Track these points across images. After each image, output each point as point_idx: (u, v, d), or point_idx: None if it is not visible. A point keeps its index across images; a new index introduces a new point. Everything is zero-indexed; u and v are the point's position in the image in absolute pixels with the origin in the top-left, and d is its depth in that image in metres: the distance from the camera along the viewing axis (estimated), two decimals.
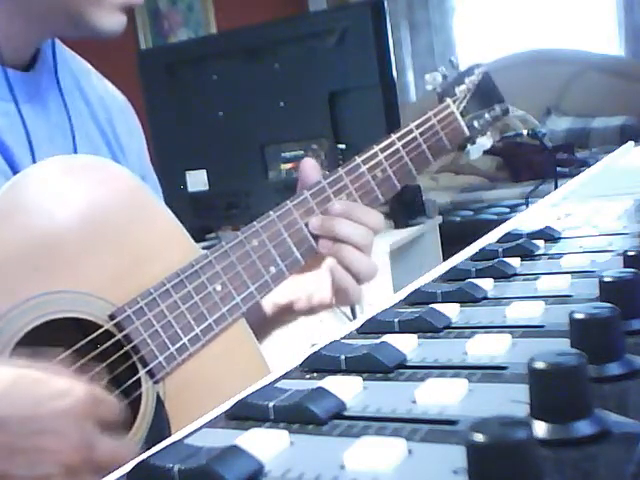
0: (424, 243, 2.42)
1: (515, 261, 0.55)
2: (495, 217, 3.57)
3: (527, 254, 0.58)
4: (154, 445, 0.34)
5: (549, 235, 0.62)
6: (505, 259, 0.56)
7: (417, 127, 0.99)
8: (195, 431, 0.35)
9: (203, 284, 0.80)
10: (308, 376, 0.40)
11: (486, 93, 1.08)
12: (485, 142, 1.08)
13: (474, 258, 0.59)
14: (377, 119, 1.88)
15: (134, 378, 0.75)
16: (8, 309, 0.69)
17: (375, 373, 0.38)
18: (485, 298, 0.49)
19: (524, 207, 2.46)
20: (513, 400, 0.32)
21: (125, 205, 0.79)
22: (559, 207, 0.76)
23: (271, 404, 0.35)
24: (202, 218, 2.14)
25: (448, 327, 0.44)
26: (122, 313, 0.74)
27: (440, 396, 0.34)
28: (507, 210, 3.66)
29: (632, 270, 0.39)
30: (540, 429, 0.28)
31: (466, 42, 5.32)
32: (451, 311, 0.46)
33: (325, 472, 0.29)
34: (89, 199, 0.77)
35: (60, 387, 0.63)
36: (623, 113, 4.60)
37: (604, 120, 4.65)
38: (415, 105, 4.90)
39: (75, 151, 0.87)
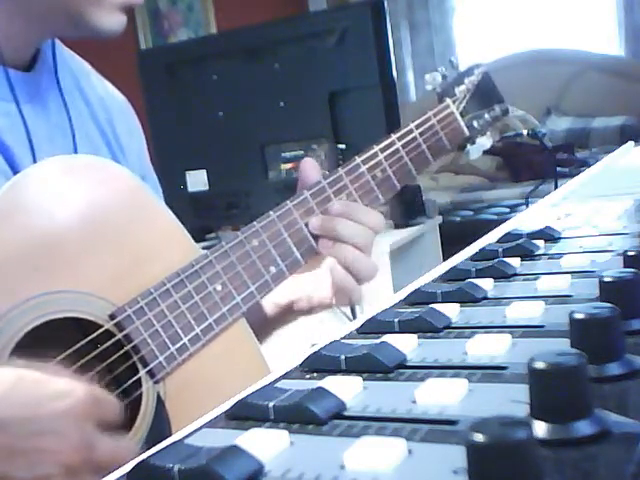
0: (424, 243, 2.42)
1: (515, 261, 0.55)
2: (495, 217, 3.57)
3: (527, 254, 0.58)
4: (154, 445, 0.34)
5: (549, 235, 0.62)
6: (505, 259, 0.56)
7: (417, 127, 0.99)
8: (195, 431, 0.35)
9: (203, 284, 0.80)
10: (308, 376, 0.40)
11: (486, 93, 1.08)
12: (485, 142, 1.08)
13: (474, 258, 0.59)
14: (377, 119, 1.88)
15: (134, 378, 0.75)
16: (8, 309, 0.69)
17: (375, 373, 0.38)
18: (485, 298, 0.49)
19: (524, 207, 2.46)
20: (513, 400, 0.32)
21: (125, 205, 0.79)
22: (559, 207, 0.76)
23: (271, 404, 0.35)
24: (202, 218, 2.14)
25: (448, 327, 0.44)
26: (122, 313, 0.74)
27: (440, 396, 0.34)
28: (507, 210, 3.66)
29: (632, 270, 0.39)
30: (540, 429, 0.28)
31: (466, 42, 5.32)
32: (451, 311, 0.46)
33: (325, 472, 0.29)
34: (89, 199, 0.77)
35: (60, 388, 0.63)
36: (623, 113, 4.60)
37: (604, 120, 4.65)
38: (415, 105, 4.90)
39: (75, 151, 0.87)
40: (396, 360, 0.39)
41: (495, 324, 0.44)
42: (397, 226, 2.30)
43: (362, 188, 0.93)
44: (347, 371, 0.39)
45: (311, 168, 0.95)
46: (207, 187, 2.11)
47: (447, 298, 0.49)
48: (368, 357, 0.39)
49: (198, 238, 0.87)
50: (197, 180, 2.12)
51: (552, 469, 0.26)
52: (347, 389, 0.36)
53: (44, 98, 0.87)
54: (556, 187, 1.80)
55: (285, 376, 0.41)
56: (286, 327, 1.02)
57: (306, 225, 0.89)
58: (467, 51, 5.23)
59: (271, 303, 0.97)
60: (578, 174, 0.96)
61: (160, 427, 0.74)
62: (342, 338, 0.45)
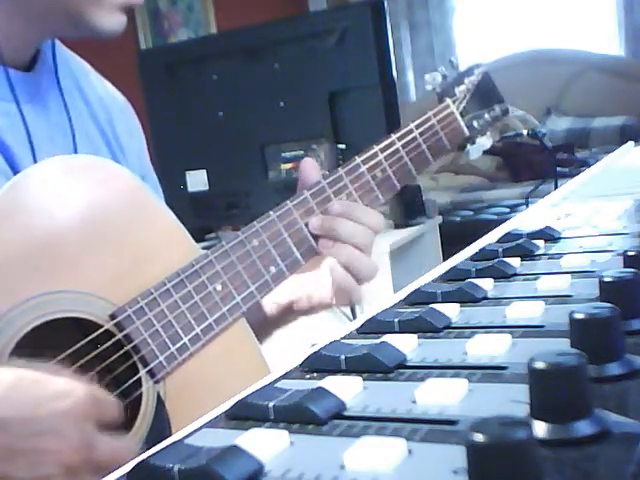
0: (424, 243, 2.42)
1: (515, 261, 0.55)
2: (495, 217, 3.57)
3: (527, 254, 0.58)
4: (154, 445, 0.34)
5: (549, 235, 0.62)
6: (505, 259, 0.56)
7: (417, 127, 0.99)
8: (195, 431, 0.35)
9: (203, 284, 0.80)
10: (308, 376, 0.40)
11: (486, 93, 1.08)
12: (485, 142, 1.08)
13: (474, 258, 0.59)
14: (377, 119, 1.88)
15: (134, 378, 0.75)
16: (8, 309, 0.69)
17: (375, 373, 0.38)
18: (485, 298, 0.49)
19: (524, 207, 2.46)
20: (513, 400, 0.32)
21: (125, 205, 0.80)
22: (559, 207, 0.76)
23: (271, 404, 0.35)
24: (202, 218, 2.14)
25: (448, 327, 0.44)
26: (123, 313, 0.74)
27: (440, 396, 0.34)
28: (507, 210, 3.66)
29: (632, 270, 0.39)
30: (540, 429, 0.28)
31: (466, 42, 5.31)
32: (451, 311, 0.46)
33: (325, 472, 0.29)
34: (89, 199, 0.77)
35: (60, 388, 0.63)
36: (623, 113, 4.60)
37: (604, 120, 4.65)
38: (415, 105, 4.90)
39: (75, 151, 0.87)
40: (396, 360, 0.39)
41: (495, 324, 0.44)
42: (397, 226, 2.30)
43: (362, 188, 0.93)
44: (347, 371, 0.39)
45: (311, 168, 0.95)
46: (207, 187, 2.11)
47: (447, 298, 0.49)
48: (368, 357, 0.39)
49: (198, 238, 0.87)
50: (197, 180, 2.12)
51: (552, 469, 0.26)
52: (347, 389, 0.36)
53: (44, 98, 0.87)
54: (556, 187, 1.80)
55: (285, 376, 0.41)
56: (286, 327, 1.02)
57: (306, 225, 0.89)
58: (467, 51, 5.23)
59: (271, 303, 0.97)
60: (578, 174, 0.96)
61: (160, 427, 0.74)
62: (342, 338, 0.45)
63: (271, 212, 0.87)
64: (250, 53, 2.02)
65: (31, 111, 0.84)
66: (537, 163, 3.86)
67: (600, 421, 0.28)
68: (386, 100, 1.88)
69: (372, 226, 0.92)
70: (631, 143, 1.14)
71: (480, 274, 0.53)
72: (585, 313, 0.33)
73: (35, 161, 0.81)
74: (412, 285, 0.53)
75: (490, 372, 0.36)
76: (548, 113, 4.89)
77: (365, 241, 0.91)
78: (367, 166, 0.94)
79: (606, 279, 0.39)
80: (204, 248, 0.84)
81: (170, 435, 0.37)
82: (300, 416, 0.34)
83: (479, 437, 0.23)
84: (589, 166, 1.10)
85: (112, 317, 0.74)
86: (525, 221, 0.71)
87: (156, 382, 0.75)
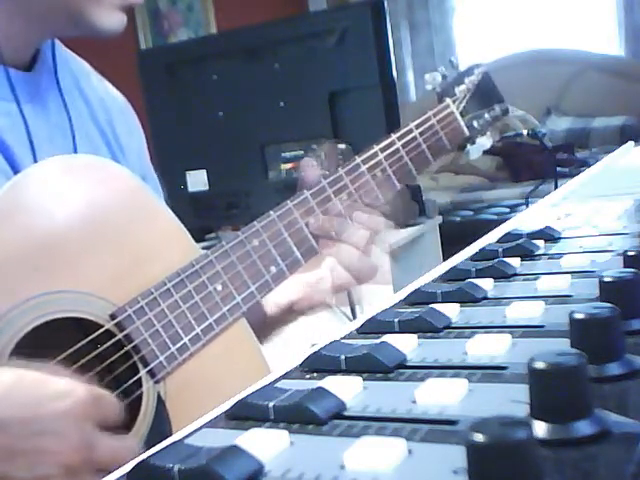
0: (424, 243, 2.42)
1: (515, 261, 0.55)
2: (495, 217, 3.58)
3: (527, 254, 0.58)
4: (155, 445, 0.34)
5: (549, 235, 0.62)
6: (505, 259, 0.56)
7: (417, 127, 0.99)
8: (195, 431, 0.35)
9: (204, 284, 0.80)
10: (308, 376, 0.40)
11: (486, 93, 1.08)
12: (485, 142, 1.08)
13: (474, 258, 0.59)
14: (377, 119, 1.88)
15: (135, 378, 0.75)
16: (8, 309, 0.69)
17: (375, 373, 0.38)
18: (485, 298, 0.49)
19: (524, 207, 2.46)
20: (513, 400, 0.32)
21: (125, 205, 0.80)
22: (559, 207, 0.76)
23: (271, 404, 0.35)
24: (202, 218, 2.14)
25: (448, 327, 0.44)
26: (123, 313, 0.74)
27: (440, 396, 0.34)
28: (507, 210, 3.66)
29: (632, 270, 0.39)
30: (540, 429, 0.28)
31: (466, 42, 5.31)
32: (451, 311, 0.46)
33: (325, 472, 0.29)
34: (89, 199, 0.77)
35: (60, 388, 0.63)
36: (623, 113, 4.60)
37: (604, 120, 4.65)
38: (415, 105, 4.90)
39: (75, 151, 0.87)
40: (396, 360, 0.39)
41: (495, 324, 0.44)
42: (397, 226, 2.30)
43: (362, 188, 0.93)
44: (347, 371, 0.39)
45: (311, 168, 0.95)
46: (207, 187, 2.11)
47: (447, 298, 0.49)
48: (368, 357, 0.39)
49: (198, 238, 0.87)
50: (197, 180, 2.12)
51: (552, 469, 0.26)
52: (347, 389, 0.36)
53: (44, 98, 0.87)
54: (556, 187, 1.80)
55: (285, 376, 0.41)
56: (286, 328, 1.02)
57: (306, 225, 0.89)
58: (467, 51, 5.23)
59: (271, 303, 0.97)
60: (578, 174, 0.96)
61: (160, 427, 0.74)
62: (342, 338, 0.45)
63: (271, 212, 0.87)
64: (250, 53, 2.02)
65: (31, 111, 0.84)
66: (537, 163, 3.86)
67: (600, 421, 0.28)
68: (386, 100, 1.88)
69: (372, 226, 0.92)
70: (631, 143, 1.14)
71: (480, 274, 0.53)
72: (585, 313, 0.33)
73: (35, 161, 0.81)
74: (412, 285, 0.53)
75: (490, 372, 0.36)
76: (548, 113, 4.89)
77: (365, 241, 0.91)
78: (367, 166, 0.94)
79: (606, 279, 0.39)
80: (204, 248, 0.84)
81: (170, 435, 0.37)
82: (300, 416, 0.34)
83: (479, 437, 0.23)
84: (589, 166, 1.10)
85: (112, 317, 0.74)
86: (525, 221, 0.71)
87: (156, 382, 0.75)
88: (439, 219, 2.50)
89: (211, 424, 0.36)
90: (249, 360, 0.85)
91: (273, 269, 0.86)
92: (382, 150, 0.95)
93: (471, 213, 3.82)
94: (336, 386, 0.36)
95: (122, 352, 0.75)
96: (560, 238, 0.62)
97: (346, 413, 0.34)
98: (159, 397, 0.75)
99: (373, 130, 1.83)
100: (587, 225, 0.64)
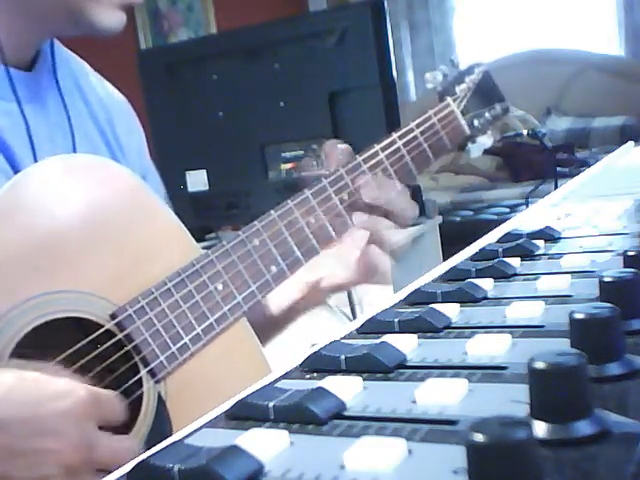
0: (424, 243, 2.42)
1: (515, 261, 0.55)
2: (495, 217, 3.57)
3: (527, 254, 0.58)
4: (155, 445, 0.34)
5: (549, 235, 0.62)
6: (505, 259, 0.56)
7: (417, 126, 0.99)
8: (195, 431, 0.35)
9: (204, 283, 0.80)
10: (308, 376, 0.40)
11: (486, 92, 1.08)
12: (486, 141, 1.08)
13: (474, 258, 0.59)
14: (377, 119, 1.88)
15: (135, 378, 0.75)
16: (8, 309, 0.69)
17: (375, 373, 0.38)
18: (485, 298, 0.49)
19: (524, 207, 2.46)
20: (513, 400, 0.32)
21: (125, 205, 0.80)
22: (559, 207, 0.76)
23: (271, 404, 0.35)
24: (202, 218, 2.14)
25: (448, 327, 0.44)
26: (123, 312, 0.74)
27: (440, 396, 0.34)
28: (507, 210, 3.66)
29: (632, 270, 0.39)
30: (540, 429, 0.28)
31: (466, 42, 5.31)
32: (451, 311, 0.46)
33: (325, 472, 0.29)
34: (89, 199, 0.77)
35: (60, 388, 0.63)
36: (623, 113, 4.60)
37: (604, 120, 4.65)
38: (415, 104, 4.90)
39: (74, 151, 0.88)
40: (396, 360, 0.39)
41: (495, 324, 0.43)
42: (397, 226, 2.30)
43: (363, 187, 0.93)
44: (347, 371, 0.39)
45: (339, 152, 0.95)
46: (207, 187, 2.11)
47: (447, 298, 0.49)
48: (368, 357, 0.39)
49: (198, 238, 0.87)
50: (197, 180, 2.12)
51: (552, 469, 0.26)
52: (347, 389, 0.36)
53: (44, 98, 0.87)
54: (556, 187, 1.80)
55: (285, 376, 0.41)
56: (286, 327, 1.01)
57: (307, 225, 0.89)
58: (467, 51, 5.23)
59: (272, 303, 0.97)
60: (578, 174, 0.96)
61: (161, 427, 0.74)
62: (342, 338, 0.45)
63: (272, 211, 0.87)
64: (250, 53, 2.02)
65: (31, 111, 0.84)
66: (537, 163, 3.86)
67: (600, 421, 0.28)
68: (386, 100, 1.88)
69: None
70: (631, 143, 1.14)
71: (480, 274, 0.53)
72: (585, 313, 0.33)
73: (35, 161, 0.81)
74: (412, 285, 0.53)
75: (490, 372, 0.36)
76: (548, 113, 4.89)
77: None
78: (368, 165, 0.94)
79: (606, 279, 0.39)
80: (204, 248, 0.84)
81: (171, 435, 0.37)
82: (300, 416, 0.34)
83: (479, 437, 0.23)
84: (589, 166, 1.10)
85: (113, 317, 0.74)
86: (525, 221, 0.71)
87: (157, 382, 0.75)
88: (439, 219, 2.50)
89: (211, 424, 0.36)
90: (249, 360, 0.85)
91: (274, 269, 0.86)
92: (383, 149, 0.95)
93: (471, 213, 3.82)
94: (336, 386, 0.36)
95: (122, 352, 0.75)
96: (560, 238, 0.62)
97: (346, 413, 0.34)
98: (159, 397, 0.75)
99: (373, 130, 1.83)
100: (587, 225, 0.64)
